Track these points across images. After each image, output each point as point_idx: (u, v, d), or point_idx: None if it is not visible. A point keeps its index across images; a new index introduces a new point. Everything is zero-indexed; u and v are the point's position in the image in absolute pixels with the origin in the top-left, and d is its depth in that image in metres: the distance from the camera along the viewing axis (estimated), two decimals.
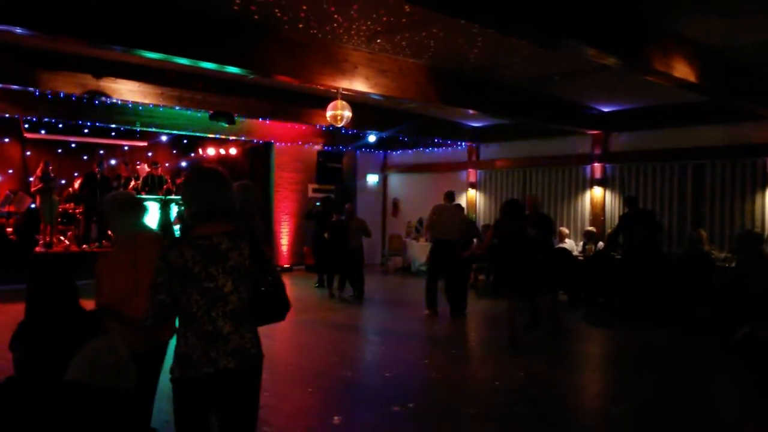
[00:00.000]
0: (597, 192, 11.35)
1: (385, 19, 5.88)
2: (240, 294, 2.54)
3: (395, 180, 16.01)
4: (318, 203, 12.29)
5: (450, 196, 9.32)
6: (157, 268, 2.49)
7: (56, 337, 2.31)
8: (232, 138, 13.15)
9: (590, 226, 11.17)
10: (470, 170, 13.80)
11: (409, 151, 15.21)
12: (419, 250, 13.87)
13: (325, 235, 10.95)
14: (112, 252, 3.34)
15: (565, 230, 11.45)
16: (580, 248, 10.94)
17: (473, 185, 13.75)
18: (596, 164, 11.37)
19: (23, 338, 2.34)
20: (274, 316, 2.74)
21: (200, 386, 2.46)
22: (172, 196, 11.80)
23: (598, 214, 11.29)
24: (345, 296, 10.25)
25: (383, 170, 16.13)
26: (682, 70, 6.23)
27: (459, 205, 9.53)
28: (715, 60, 6.75)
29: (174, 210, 9.30)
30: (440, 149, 14.40)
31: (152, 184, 12.58)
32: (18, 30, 5.02)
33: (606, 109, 10.66)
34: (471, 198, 13.72)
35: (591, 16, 5.14)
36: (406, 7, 5.45)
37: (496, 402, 5.14)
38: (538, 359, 6.40)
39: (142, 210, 3.37)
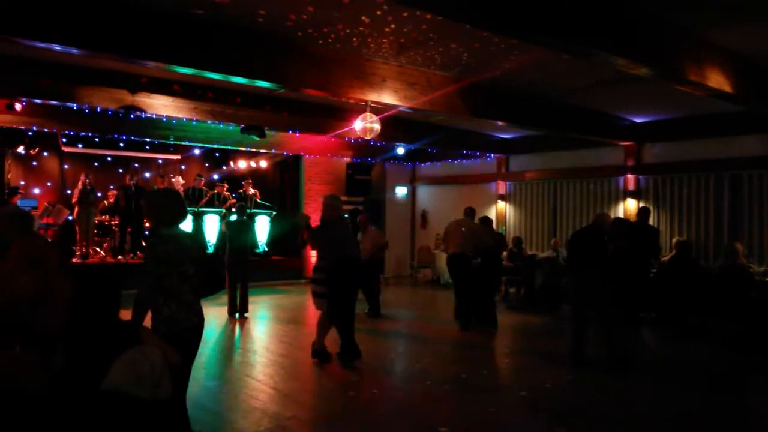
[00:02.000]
0: (631, 204, 11.15)
1: (414, 35, 5.91)
2: (198, 276, 3.65)
3: (424, 192, 16.00)
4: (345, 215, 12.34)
5: (469, 212, 9.22)
6: (150, 259, 3.51)
7: (95, 346, 2.36)
8: (262, 151, 13.34)
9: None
10: (499, 182, 13.71)
11: (438, 163, 15.19)
12: None
13: None
14: None
15: None
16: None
17: (503, 197, 13.65)
18: (629, 176, 11.19)
19: (62, 346, 2.39)
20: (214, 291, 3.93)
21: (180, 338, 3.40)
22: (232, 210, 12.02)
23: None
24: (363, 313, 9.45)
25: (412, 182, 16.13)
26: (717, 80, 6.11)
27: (485, 219, 9.37)
28: (751, 69, 6.61)
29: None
30: (469, 161, 14.35)
31: (192, 197, 12.80)
32: (56, 47, 5.19)
33: (639, 120, 10.50)
34: (500, 210, 13.61)
35: (620, 26, 5.09)
36: (429, 18, 5.47)
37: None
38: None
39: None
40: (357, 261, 6.60)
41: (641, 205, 10.98)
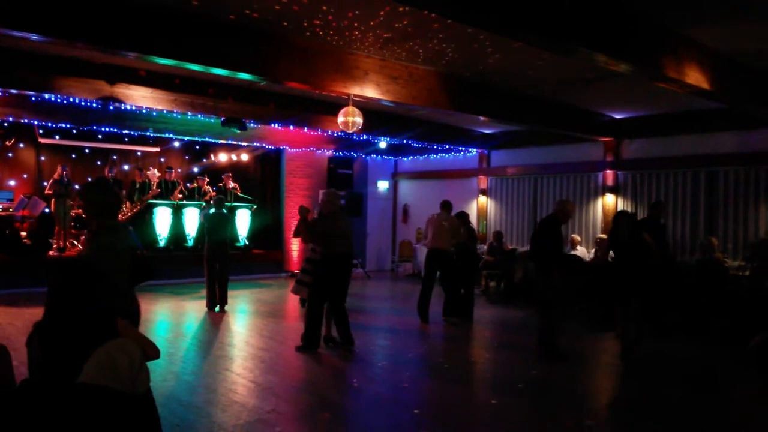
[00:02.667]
0: (609, 199, 11.28)
1: (399, 29, 5.91)
2: (133, 264, 3.78)
3: (405, 186, 16.02)
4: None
5: (446, 206, 9.21)
6: (105, 248, 3.65)
7: (71, 338, 2.33)
8: (243, 144, 13.25)
9: (602, 233, 11.09)
10: (481, 177, 13.78)
11: (420, 158, 15.21)
12: None
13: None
14: None
15: (577, 237, 11.40)
16: (591, 255, 10.86)
17: (484, 192, 13.72)
18: (608, 171, 11.31)
19: (39, 338, 2.36)
20: (144, 280, 3.98)
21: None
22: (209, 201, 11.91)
23: (610, 221, 11.20)
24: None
25: (394, 176, 16.14)
26: (695, 77, 6.19)
27: (461, 213, 9.39)
28: (728, 66, 6.71)
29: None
30: (451, 156, 14.40)
31: (165, 189, 12.68)
32: (34, 37, 5.10)
33: (618, 116, 10.61)
34: (482, 205, 13.68)
35: (601, 22, 5.13)
36: (413, 12, 5.47)
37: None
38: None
39: None
40: (350, 256, 6.94)
41: (619, 199, 11.12)
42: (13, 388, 2.21)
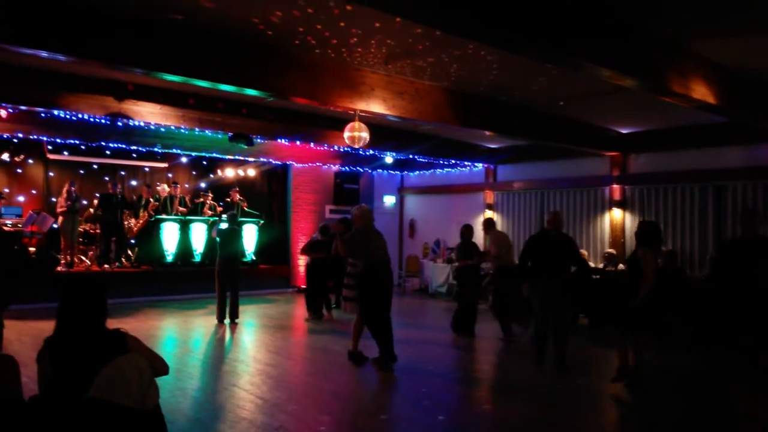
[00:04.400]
0: (616, 214, 11.24)
1: (406, 45, 5.95)
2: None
3: (412, 201, 16.02)
4: (324, 224, 12.30)
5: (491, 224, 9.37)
6: None
7: (82, 354, 2.33)
8: (250, 159, 13.31)
9: (610, 248, 11.05)
10: (487, 191, 13.77)
11: (426, 173, 15.23)
12: (436, 272, 13.82)
13: (313, 256, 10.30)
14: None
15: (585, 252, 11.34)
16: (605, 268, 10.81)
17: (490, 206, 13.70)
18: (615, 186, 11.28)
19: (49, 353, 2.36)
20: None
21: None
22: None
23: (618, 236, 11.18)
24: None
25: (400, 191, 16.16)
26: (701, 92, 6.19)
27: (469, 227, 9.41)
28: (735, 81, 6.71)
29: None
30: (457, 170, 14.41)
31: (170, 204, 12.73)
32: (43, 54, 5.16)
33: (624, 131, 10.61)
34: None
35: (607, 37, 5.15)
36: (418, 30, 5.51)
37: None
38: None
39: None
40: (389, 265, 7.11)
41: (626, 214, 11.07)
42: (20, 401, 2.20)
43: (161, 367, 2.52)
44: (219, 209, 13.09)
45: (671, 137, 10.20)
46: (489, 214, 13.61)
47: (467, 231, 8.97)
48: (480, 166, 13.75)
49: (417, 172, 15.40)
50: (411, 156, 12.56)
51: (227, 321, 9.40)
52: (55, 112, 8.55)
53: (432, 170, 14.89)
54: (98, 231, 12.06)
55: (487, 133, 9.32)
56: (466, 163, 13.55)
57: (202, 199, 13.21)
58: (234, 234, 9.63)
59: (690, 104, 6.50)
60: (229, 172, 14.19)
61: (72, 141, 10.85)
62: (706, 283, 8.61)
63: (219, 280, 9.36)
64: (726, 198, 9.86)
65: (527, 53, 5.18)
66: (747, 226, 6.14)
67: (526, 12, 4.44)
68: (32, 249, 11.22)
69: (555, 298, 6.64)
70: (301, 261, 14.25)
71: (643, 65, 5.57)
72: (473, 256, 8.83)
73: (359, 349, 6.97)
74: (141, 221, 12.48)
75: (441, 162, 13.72)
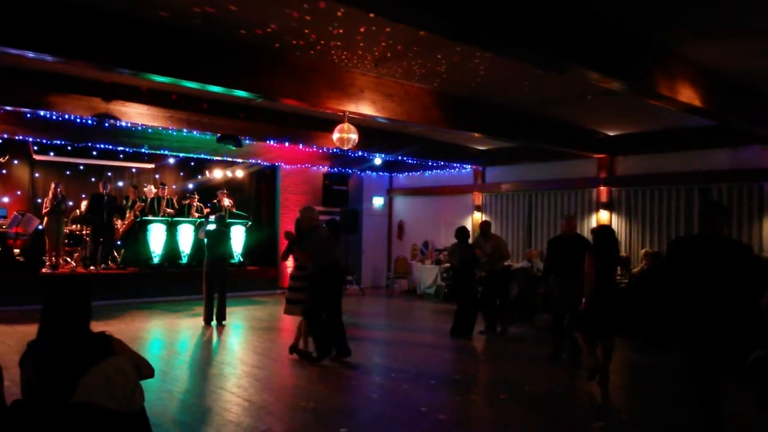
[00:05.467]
0: (603, 215, 11.32)
1: (398, 48, 5.95)
2: None
3: (401, 203, 16.04)
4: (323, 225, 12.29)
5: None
6: None
7: (65, 357, 2.31)
8: (239, 160, 13.26)
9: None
10: (476, 193, 13.81)
11: (415, 174, 15.25)
12: (425, 273, 13.83)
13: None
14: None
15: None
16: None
17: (479, 208, 13.74)
18: (602, 188, 11.36)
19: (32, 357, 2.33)
20: None
21: None
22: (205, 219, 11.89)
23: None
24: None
25: (389, 193, 16.17)
26: (687, 94, 6.25)
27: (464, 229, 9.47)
28: (721, 84, 6.77)
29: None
30: (446, 172, 14.44)
31: (157, 205, 12.64)
32: (29, 54, 5.11)
33: (612, 133, 10.68)
34: (477, 221, 13.68)
35: (593, 40, 5.18)
36: (409, 31, 5.51)
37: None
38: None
39: None
40: (340, 266, 7.23)
41: (613, 215, 11.15)
42: (2, 405, 2.17)
43: (147, 370, 2.49)
44: (206, 211, 13.02)
45: (658, 140, 10.30)
46: (477, 215, 13.65)
47: (465, 233, 9.03)
48: (468, 167, 13.79)
49: (406, 173, 15.41)
50: (400, 157, 12.57)
51: (214, 323, 9.35)
52: (41, 113, 8.47)
53: (421, 172, 14.92)
54: (85, 232, 11.95)
55: (476, 135, 9.35)
56: (454, 164, 13.59)
57: (189, 201, 13.14)
58: (221, 235, 9.58)
59: (676, 107, 6.55)
60: (217, 173, 14.12)
61: (58, 141, 10.75)
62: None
63: (206, 282, 9.31)
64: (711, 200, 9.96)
65: (515, 56, 5.21)
66: (709, 223, 4.39)
67: (513, 15, 4.46)
68: (17, 251, 11.11)
69: (571, 295, 6.86)
70: (289, 263, 14.21)
71: (630, 68, 5.61)
72: (475, 258, 8.93)
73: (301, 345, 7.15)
74: (127, 222, 12.38)
75: (430, 164, 13.75)
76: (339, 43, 6.00)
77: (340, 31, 5.63)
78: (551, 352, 7.45)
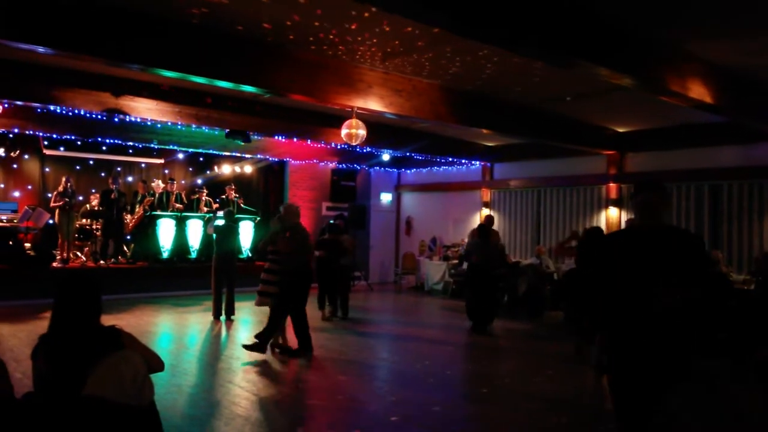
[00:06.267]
0: (613, 213, 11.27)
1: (406, 44, 5.95)
2: None
3: (409, 198, 16.03)
4: (332, 221, 12.31)
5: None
6: None
7: (76, 351, 2.33)
8: (247, 156, 13.29)
9: None
10: (484, 189, 13.78)
11: (423, 170, 15.24)
12: (433, 269, 13.83)
13: (317, 253, 10.14)
14: None
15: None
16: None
17: (487, 204, 13.72)
18: (611, 184, 11.31)
19: (44, 350, 2.36)
20: None
21: None
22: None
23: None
24: (334, 317, 9.86)
25: (397, 189, 16.16)
26: (698, 91, 6.21)
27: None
28: (732, 80, 6.73)
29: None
30: (454, 168, 14.42)
31: (166, 200, 12.70)
32: (40, 49, 5.15)
33: (621, 130, 10.63)
34: (484, 217, 13.67)
35: (603, 37, 5.16)
36: (417, 28, 5.50)
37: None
38: None
39: None
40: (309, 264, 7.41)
41: (623, 213, 11.11)
42: (11, 399, 2.20)
43: (156, 364, 2.51)
44: (215, 206, 13.06)
45: (668, 136, 10.24)
46: (486, 212, 13.62)
47: (486, 230, 9.15)
48: (477, 163, 13.76)
49: (414, 169, 15.40)
50: (408, 153, 12.56)
51: (223, 317, 9.40)
52: (52, 108, 8.52)
53: (429, 168, 14.90)
54: (95, 227, 12.04)
55: (484, 131, 9.33)
56: (463, 160, 13.56)
57: (197, 196, 13.19)
58: (230, 230, 9.62)
59: (687, 103, 6.51)
60: (226, 169, 14.17)
61: (68, 136, 10.81)
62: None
63: (215, 277, 9.36)
64: (722, 197, 9.89)
65: (524, 52, 5.19)
66: (647, 210, 3.24)
67: (521, 12, 4.45)
68: (27, 245, 11.20)
69: None
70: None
71: (640, 64, 5.58)
72: (497, 255, 9.03)
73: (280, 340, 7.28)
74: (136, 217, 12.45)
75: (438, 159, 13.73)
76: (347, 39, 5.99)
77: (351, 26, 5.62)
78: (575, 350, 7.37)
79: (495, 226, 12.92)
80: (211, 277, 9.41)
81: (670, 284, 2.99)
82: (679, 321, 3.06)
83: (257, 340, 6.91)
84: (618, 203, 11.24)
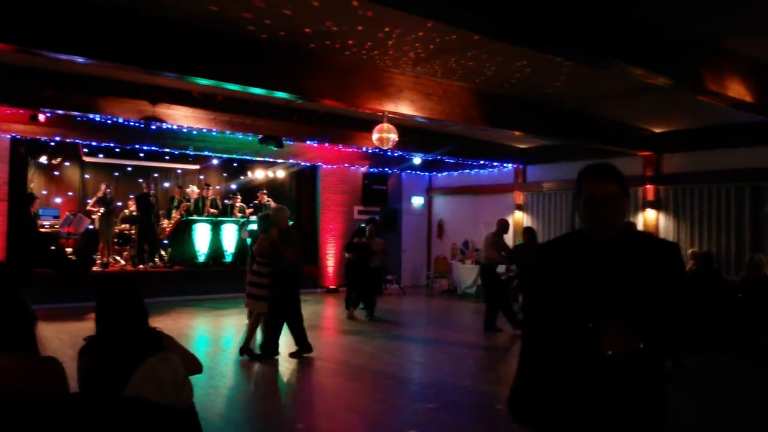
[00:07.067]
0: (650, 215, 11.04)
1: (432, 47, 5.95)
2: None
3: (440, 202, 15.99)
4: (363, 225, 12.35)
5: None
6: None
7: (122, 352, 2.39)
8: (280, 161, 13.44)
9: None
10: (517, 192, 13.65)
11: (454, 173, 15.18)
12: (465, 273, 13.76)
13: (347, 255, 10.76)
14: None
15: None
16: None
17: (520, 207, 13.59)
18: (648, 186, 11.08)
19: (90, 351, 2.43)
20: None
21: None
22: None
23: None
24: (360, 317, 10.17)
25: (428, 192, 16.13)
26: (737, 90, 6.05)
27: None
28: None
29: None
30: (486, 171, 14.33)
31: (202, 205, 12.94)
32: (79, 59, 5.30)
33: (657, 130, 10.42)
34: (518, 220, 13.54)
35: (638, 36, 5.08)
36: (454, 35, 5.50)
37: None
38: None
39: None
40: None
41: (660, 215, 10.88)
42: (68, 402, 2.26)
43: (195, 366, 2.57)
44: (248, 211, 13.25)
45: (707, 136, 9.97)
46: (518, 214, 13.50)
47: (533, 232, 9.32)
48: (509, 166, 13.64)
49: (445, 172, 15.36)
50: (439, 157, 12.53)
51: None
52: (91, 116, 8.75)
53: (460, 171, 14.84)
54: (132, 231, 12.33)
55: (516, 133, 9.25)
56: (494, 163, 13.47)
57: (231, 201, 13.40)
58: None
59: (725, 103, 6.36)
60: (259, 174, 14.36)
61: (107, 144, 11.11)
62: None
63: None
64: (764, 198, 9.60)
65: (556, 53, 5.14)
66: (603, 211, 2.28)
67: (553, 12, 4.41)
68: (69, 249, 11.53)
69: None
70: (330, 261, 14.36)
71: (676, 63, 5.47)
72: None
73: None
74: (173, 222, 12.70)
75: (469, 162, 13.66)
76: (378, 43, 6.02)
77: (386, 29, 5.65)
78: None
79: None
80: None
81: (623, 322, 1.95)
82: (636, 377, 2.01)
83: (262, 351, 7.11)
84: (656, 205, 11.01)
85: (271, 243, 7.07)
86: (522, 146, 12.80)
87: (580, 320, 2.00)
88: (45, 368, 2.23)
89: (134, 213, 12.22)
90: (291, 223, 13.57)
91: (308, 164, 14.14)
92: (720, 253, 9.98)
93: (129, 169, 13.40)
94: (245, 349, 7.19)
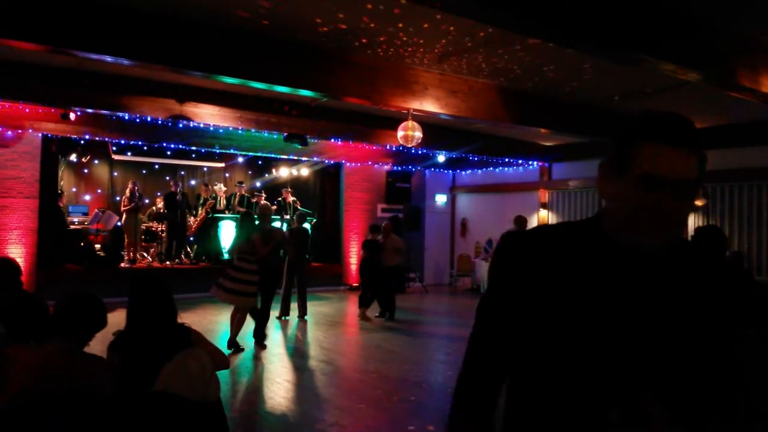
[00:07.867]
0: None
1: (456, 43, 5.92)
2: None
3: (464, 200, 15.91)
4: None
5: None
6: None
7: (152, 347, 2.43)
8: (304, 159, 13.50)
9: None
10: (542, 190, 13.52)
11: (478, 171, 15.10)
12: (488, 271, 13.65)
13: (362, 253, 10.68)
14: None
15: None
16: None
17: (545, 205, 13.46)
18: None
19: (120, 346, 2.47)
20: None
21: None
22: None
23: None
24: (372, 317, 9.85)
25: (452, 190, 16.07)
26: None
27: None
28: None
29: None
30: (510, 169, 14.22)
31: (231, 203, 13.08)
32: (108, 58, 5.39)
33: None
34: (543, 219, 13.43)
35: (669, 30, 4.98)
36: (481, 32, 5.46)
37: None
38: None
39: None
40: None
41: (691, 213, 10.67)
42: (114, 400, 2.30)
43: (222, 362, 2.59)
44: (273, 208, 13.33)
45: (736, 133, 9.77)
46: (543, 213, 13.38)
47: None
48: (534, 164, 13.52)
49: (469, 170, 15.28)
50: (463, 155, 12.47)
51: (288, 317, 9.77)
52: (120, 114, 8.89)
53: (484, 169, 14.75)
54: (160, 228, 12.51)
55: (542, 130, 9.16)
56: (519, 161, 13.36)
57: (256, 199, 13.51)
58: (303, 233, 10.11)
59: (759, 99, 6.20)
60: (284, 172, 14.45)
61: (135, 142, 11.28)
62: None
63: (287, 278, 9.70)
64: None
65: (583, 48, 5.06)
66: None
67: (584, 7, 4.34)
68: (97, 246, 11.74)
69: None
70: (353, 259, 14.39)
71: (708, 58, 5.35)
72: None
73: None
74: (199, 219, 12.85)
75: (494, 160, 13.57)
76: (404, 41, 6.01)
77: (410, 28, 5.63)
78: None
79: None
80: (284, 277, 9.61)
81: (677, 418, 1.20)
82: None
83: (256, 339, 7.68)
84: None
85: (264, 239, 7.65)
86: (547, 144, 12.67)
87: (595, 399, 1.20)
88: (103, 365, 2.28)
89: (162, 210, 12.39)
90: (314, 221, 13.79)
91: (332, 162, 14.18)
92: (752, 253, 9.77)
93: (156, 166, 13.60)
94: (232, 342, 7.44)
